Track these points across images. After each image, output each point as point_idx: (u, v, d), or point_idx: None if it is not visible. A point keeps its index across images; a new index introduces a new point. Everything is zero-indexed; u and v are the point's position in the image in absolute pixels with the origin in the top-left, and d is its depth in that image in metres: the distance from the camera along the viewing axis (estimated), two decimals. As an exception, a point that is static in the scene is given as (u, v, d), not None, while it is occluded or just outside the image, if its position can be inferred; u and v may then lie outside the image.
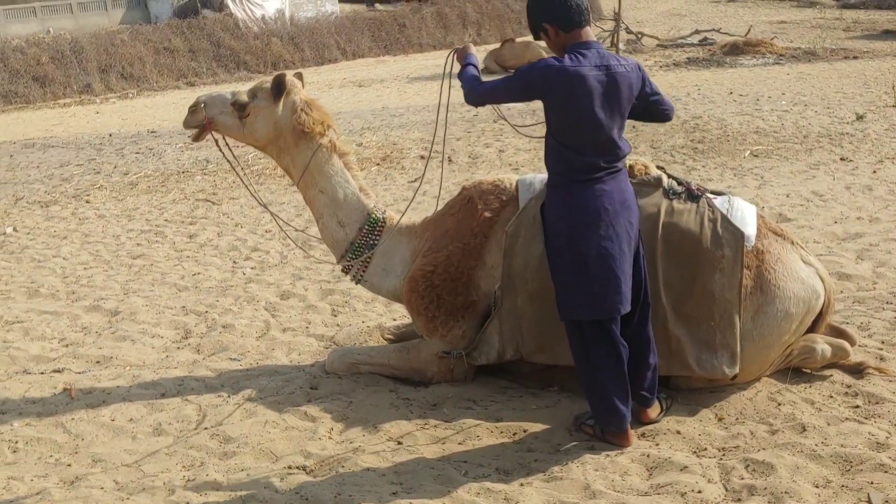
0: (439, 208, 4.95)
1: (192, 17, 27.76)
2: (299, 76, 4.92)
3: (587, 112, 3.63)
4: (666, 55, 23.34)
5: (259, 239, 7.79)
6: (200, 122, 4.79)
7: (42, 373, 5.18)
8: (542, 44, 17.10)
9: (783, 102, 13.14)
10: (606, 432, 3.94)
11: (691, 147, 9.89)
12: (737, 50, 21.99)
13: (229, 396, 4.67)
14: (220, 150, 4.94)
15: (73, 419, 4.52)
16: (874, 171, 8.59)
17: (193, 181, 10.16)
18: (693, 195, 4.28)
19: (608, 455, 3.80)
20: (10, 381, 5.05)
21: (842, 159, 9.17)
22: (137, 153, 12.28)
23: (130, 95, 23.07)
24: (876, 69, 17.44)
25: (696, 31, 26.61)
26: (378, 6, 35.60)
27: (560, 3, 3.70)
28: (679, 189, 4.31)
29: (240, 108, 4.71)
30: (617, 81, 3.62)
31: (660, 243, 4.16)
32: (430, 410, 4.38)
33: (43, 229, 8.55)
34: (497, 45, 24.26)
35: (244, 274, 6.89)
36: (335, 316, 5.86)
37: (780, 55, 21.16)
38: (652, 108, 3.86)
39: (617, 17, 25.04)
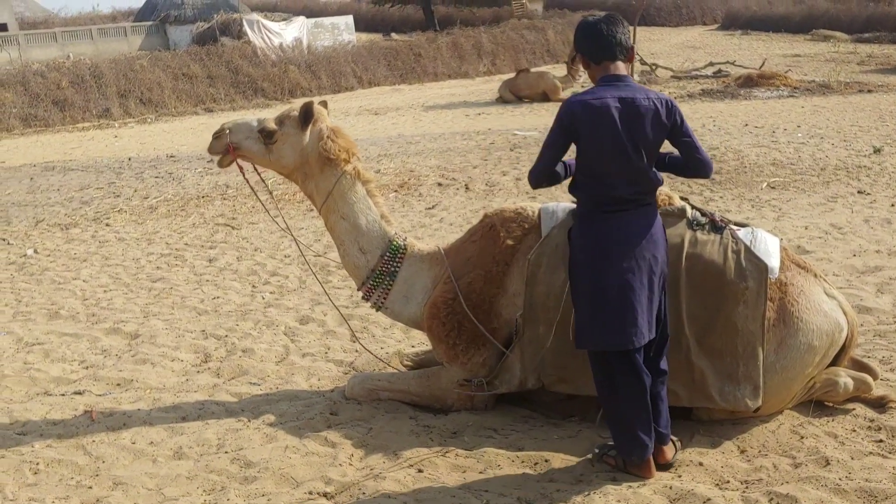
0: (460, 235, 4.98)
1: (211, 45, 28.05)
2: (324, 104, 4.97)
3: (610, 143, 3.65)
4: (680, 86, 23.45)
5: (278, 264, 7.83)
6: (224, 148, 4.82)
7: (63, 395, 5.20)
8: (557, 73, 17.31)
9: (799, 135, 13.16)
10: (628, 463, 3.91)
11: (711, 178, 9.91)
12: (751, 82, 22.07)
13: (249, 421, 4.68)
14: (244, 175, 4.97)
15: (93, 441, 4.53)
16: (892, 205, 8.58)
17: (213, 206, 10.23)
18: (717, 226, 4.28)
19: (630, 486, 3.78)
20: (30, 403, 5.08)
21: (859, 192, 9.17)
22: (157, 177, 12.37)
23: (149, 120, 23.29)
24: (891, 103, 17.46)
25: (711, 63, 26.74)
26: (394, 36, 35.98)
27: (590, 35, 3.76)
28: (703, 220, 4.31)
29: (267, 135, 4.75)
30: (641, 113, 3.63)
31: (683, 274, 4.15)
32: (451, 438, 4.38)
33: (63, 251, 8.61)
34: (512, 75, 24.43)
35: (263, 298, 6.92)
36: (354, 342, 5.87)
37: (795, 88, 21.23)
38: (685, 154, 3.80)
39: (631, 50, 25.14)
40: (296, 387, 5.18)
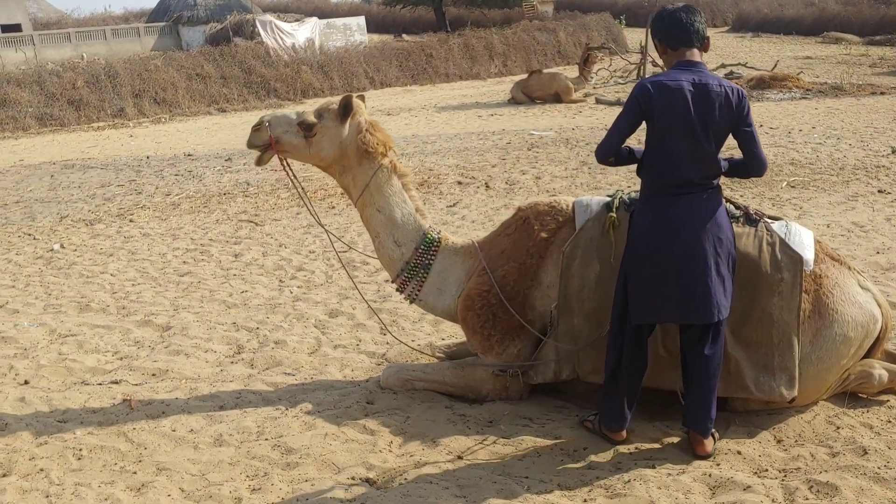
0: (482, 232, 5.04)
1: (224, 45, 28.17)
2: (362, 98, 5.03)
3: (681, 124, 3.74)
4: (693, 88, 23.42)
5: (304, 259, 7.90)
6: (265, 142, 4.87)
7: (100, 384, 5.28)
8: (570, 74, 17.29)
9: (815, 135, 13.18)
10: (607, 427, 4.15)
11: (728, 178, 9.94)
12: (763, 84, 22.04)
13: (287, 409, 4.74)
14: (286, 169, 5.02)
15: (134, 429, 4.60)
16: (913, 204, 8.63)
17: (235, 202, 10.31)
18: (751, 219, 4.34)
19: (670, 474, 3.84)
20: (69, 392, 5.15)
21: (879, 191, 9.21)
22: (176, 175, 12.46)
23: (163, 120, 23.40)
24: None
25: (723, 66, 26.70)
26: (405, 37, 36.07)
27: (670, 23, 3.89)
28: (737, 213, 4.37)
29: (307, 127, 4.81)
30: (712, 98, 3.72)
31: (719, 266, 4.21)
32: (487, 427, 4.44)
33: (89, 246, 8.69)
34: (524, 76, 24.49)
35: (291, 292, 6.98)
36: (384, 334, 5.93)
37: (807, 90, 21.20)
38: (744, 148, 3.89)
39: (643, 51, 25.24)
40: (330, 377, 5.24)
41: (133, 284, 7.41)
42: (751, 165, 3.95)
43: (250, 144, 4.98)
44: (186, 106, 24.95)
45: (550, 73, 23.28)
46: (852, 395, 4.44)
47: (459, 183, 10.34)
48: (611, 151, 4.01)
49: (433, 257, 4.92)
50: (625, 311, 3.99)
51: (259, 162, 5.00)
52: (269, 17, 30.35)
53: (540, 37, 33.76)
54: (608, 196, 4.65)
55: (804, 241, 4.30)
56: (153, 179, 12.27)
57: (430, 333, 5.93)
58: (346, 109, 4.81)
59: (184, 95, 25.19)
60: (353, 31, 32.54)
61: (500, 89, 26.99)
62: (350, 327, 6.11)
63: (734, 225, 4.30)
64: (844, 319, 4.21)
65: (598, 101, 21.45)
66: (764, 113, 17.03)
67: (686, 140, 3.78)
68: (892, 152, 11.14)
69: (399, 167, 4.98)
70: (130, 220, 9.71)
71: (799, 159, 11.12)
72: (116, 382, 5.29)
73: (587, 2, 48.29)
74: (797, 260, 4.20)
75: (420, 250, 4.91)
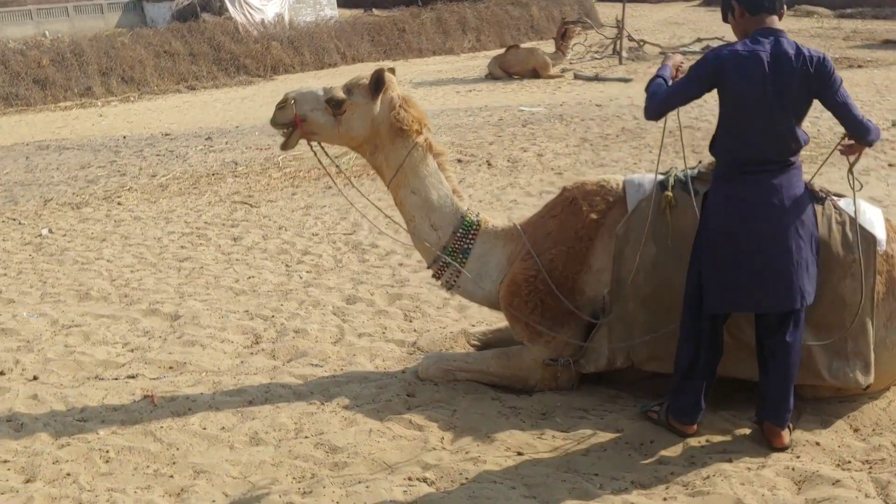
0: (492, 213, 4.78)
1: (193, 21, 27.47)
2: (392, 71, 4.72)
3: (757, 97, 3.50)
4: (669, 63, 23.26)
5: (308, 242, 7.58)
6: (290, 120, 4.55)
7: (116, 379, 4.96)
8: (547, 49, 17.11)
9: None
10: (677, 419, 3.91)
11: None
12: (740, 58, 21.92)
13: (323, 404, 4.47)
14: (314, 150, 4.72)
15: (161, 427, 4.30)
16: (926, 178, 8.51)
17: (225, 183, 9.93)
18: (818, 197, 4.11)
19: (749, 468, 3.63)
20: (84, 388, 4.83)
21: (890, 165, 9.08)
22: (158, 155, 12.02)
23: (132, 99, 22.75)
24: (884, 78, 17.41)
25: (699, 39, 26.55)
26: (375, 11, 35.43)
27: None
28: (802, 190, 4.15)
29: (336, 104, 4.50)
30: (791, 69, 3.47)
31: (788, 247, 3.99)
32: (542, 420, 4.20)
33: (79, 231, 8.30)
34: (501, 51, 24.17)
35: (301, 278, 6.68)
36: (409, 321, 5.66)
37: (784, 64, 21.13)
38: (839, 116, 3.62)
39: (619, 26, 25.03)
40: (361, 368, 4.97)
41: (132, 271, 7.05)
42: (854, 133, 3.67)
43: (275, 123, 4.67)
44: (155, 84, 24.26)
45: (528, 49, 22.98)
46: (922, 380, 4.26)
47: (459, 161, 10.04)
48: (665, 112, 3.82)
49: (472, 241, 4.65)
50: (700, 300, 3.75)
51: (285, 146, 4.68)
52: (237, -8, 29.62)
53: (513, 11, 33.35)
54: (661, 174, 4.41)
55: (874, 220, 4.10)
56: (134, 160, 11.82)
57: (456, 320, 5.67)
58: (378, 84, 4.51)
59: (152, 73, 24.49)
60: (323, 6, 31.85)
61: (475, 64, 26.62)
62: (371, 314, 5.82)
63: (800, 203, 4.09)
64: (919, 301, 4.02)
65: (576, 77, 21.23)
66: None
67: (762, 115, 3.55)
68: (893, 125, 11.03)
69: (435, 146, 4.69)
70: (119, 203, 9.30)
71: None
72: (133, 377, 4.97)
73: (556, -24, 47.79)
74: (870, 240, 4.00)
75: (458, 234, 4.64)
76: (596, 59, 25.07)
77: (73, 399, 4.67)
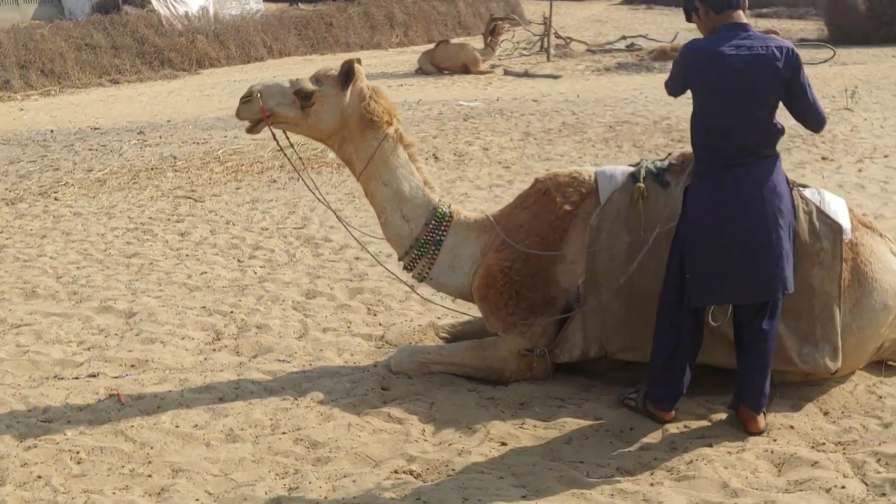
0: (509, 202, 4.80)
1: (114, 13, 26.73)
2: (358, 62, 4.68)
3: (728, 92, 3.59)
4: (595, 60, 23.62)
5: (258, 237, 7.46)
6: (255, 114, 4.48)
7: (76, 378, 4.81)
8: (476, 45, 17.28)
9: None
10: (656, 406, 3.97)
11: (674, 146, 9.96)
12: (665, 55, 22.34)
13: (296, 399, 4.41)
14: (277, 142, 4.66)
15: (131, 426, 4.19)
16: (859, 170, 8.81)
17: (166, 178, 9.70)
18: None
19: (730, 452, 3.72)
20: (44, 388, 4.67)
21: (823, 158, 9.38)
22: (91, 150, 11.68)
23: (52, 93, 22.02)
24: (811, 75, 17.92)
25: (624, 37, 26.99)
26: (301, 5, 35.03)
27: None
28: (770, 181, 4.25)
29: (304, 96, 4.45)
30: (760, 62, 3.55)
31: (756, 236, 4.09)
32: (520, 410, 4.22)
33: (17, 227, 8.01)
34: (430, 47, 24.18)
35: (255, 273, 6.57)
36: (373, 315, 5.63)
37: (707, 61, 21.60)
38: (798, 106, 3.73)
39: (546, 23, 25.29)
40: (330, 363, 4.92)
41: (77, 268, 6.84)
42: (811, 123, 3.81)
43: (241, 116, 4.60)
44: (76, 77, 23.53)
45: (458, 44, 23.06)
46: (885, 364, 4.41)
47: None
48: (673, 94, 3.97)
49: (444, 233, 4.65)
50: (681, 292, 3.81)
51: (251, 130, 4.61)
52: (159, -17, 28.94)
53: (440, 7, 33.40)
54: (631, 165, 4.48)
55: (838, 209, 4.22)
56: (66, 154, 11.46)
57: (421, 313, 5.65)
58: (347, 75, 4.48)
59: (73, 66, 23.75)
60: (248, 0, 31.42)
61: (404, 59, 26.60)
62: (333, 309, 5.77)
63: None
64: (883, 287, 4.17)
65: (506, 73, 21.40)
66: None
67: (734, 109, 3.64)
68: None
69: (405, 137, 4.69)
70: (56, 199, 9.00)
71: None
72: (94, 375, 4.83)
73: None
74: (836, 228, 4.12)
75: (430, 226, 4.63)
76: (524, 55, 25.30)
77: (34, 399, 4.51)
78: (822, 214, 4.14)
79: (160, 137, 12.53)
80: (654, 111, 12.49)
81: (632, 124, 11.15)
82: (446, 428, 4.06)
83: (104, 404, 4.44)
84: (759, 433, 3.86)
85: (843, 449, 3.73)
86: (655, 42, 25.36)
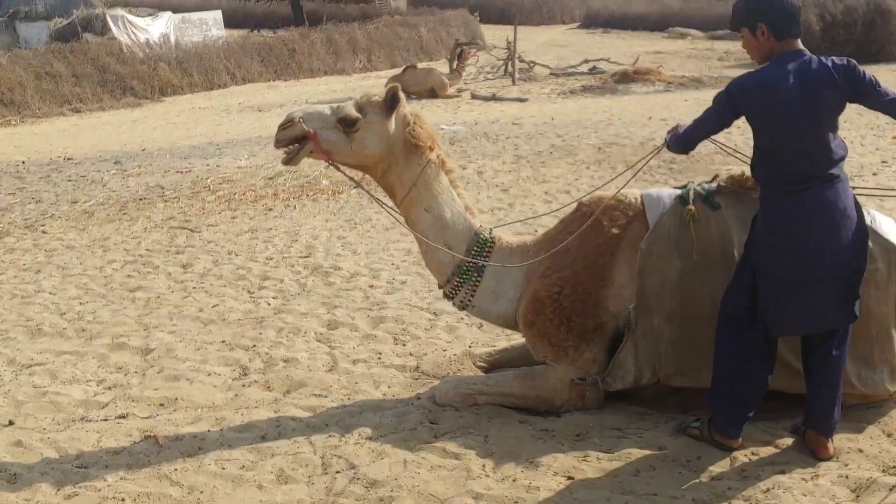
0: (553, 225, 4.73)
1: (74, 41, 26.31)
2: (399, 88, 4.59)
3: (789, 120, 3.55)
4: (560, 83, 23.79)
5: (264, 267, 7.30)
6: (295, 139, 4.36)
7: (105, 419, 4.61)
8: (443, 69, 17.21)
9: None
10: (723, 434, 3.88)
11: (667, 167, 9.99)
12: (628, 78, 22.60)
13: (343, 436, 4.26)
14: (339, 168, 4.55)
15: (174, 469, 4.02)
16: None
17: (157, 208, 9.48)
18: (837, 208, 4.20)
19: (805, 479, 3.65)
20: (72, 431, 4.47)
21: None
22: (70, 181, 11.40)
23: (13, 123, 21.57)
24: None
25: (586, 61, 27.25)
26: (262, 32, 34.87)
27: (784, 8, 3.60)
28: (820, 202, 4.22)
29: (349, 124, 4.34)
30: (821, 85, 3.52)
31: (811, 258, 4.05)
32: (579, 441, 4.12)
33: (8, 263, 7.74)
34: (396, 71, 24.20)
35: (269, 304, 6.41)
36: (402, 345, 5.50)
37: (669, 83, 21.90)
38: (880, 104, 3.63)
39: (510, 47, 25.46)
40: (369, 396, 4.78)
41: (81, 303, 6.61)
42: (890, 112, 3.67)
43: (281, 143, 4.45)
44: (37, 107, 23.07)
45: (425, 69, 23.11)
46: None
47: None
48: (692, 145, 3.97)
49: (487, 259, 4.56)
50: (750, 316, 3.75)
51: (289, 161, 4.47)
52: (120, 11, 28.56)
53: (402, 32, 33.45)
54: (677, 188, 4.44)
55: (889, 229, 4.21)
56: (45, 186, 11.17)
57: (449, 341, 5.54)
58: (393, 101, 4.39)
59: (33, 96, 23.29)
60: (209, 26, 31.07)
61: (368, 84, 26.52)
62: (359, 339, 5.63)
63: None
64: (936, 308, 4.15)
65: (473, 97, 21.50)
66: (636, 105, 17.33)
67: (797, 135, 3.58)
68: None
69: (447, 162, 4.61)
70: (44, 232, 8.73)
71: (715, 148, 11.27)
72: (124, 416, 4.64)
73: (439, -2, 48.31)
74: (890, 248, 4.10)
75: (473, 252, 4.54)
76: (489, 79, 25.43)
77: (65, 444, 4.31)
78: (875, 234, 4.11)
79: (139, 167, 12.28)
80: (636, 132, 12.56)
81: (619, 146, 11.18)
82: (507, 462, 3.94)
83: (141, 447, 4.26)
84: (829, 458, 3.80)
85: (915, 471, 3.68)
86: (617, 65, 25.60)
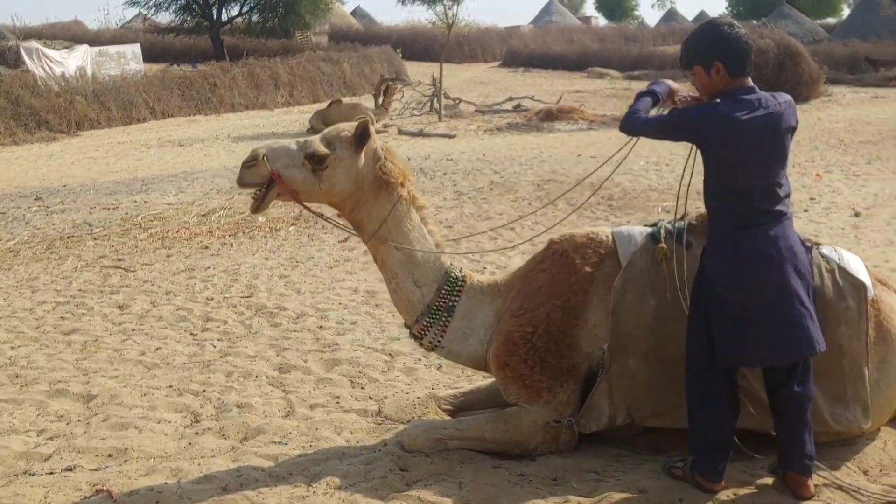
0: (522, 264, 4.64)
1: (-15, 73, 25.44)
2: (372, 122, 4.47)
3: (747, 158, 3.61)
4: (486, 120, 24.00)
5: (205, 308, 7.04)
6: (264, 177, 4.19)
7: (51, 473, 4.31)
8: (369, 104, 17.25)
9: (642, 162, 13.66)
10: (704, 476, 3.83)
11: (606, 203, 10.07)
12: (552, 116, 22.91)
13: (310, 486, 4.06)
14: (308, 209, 4.39)
15: (134, 527, 3.76)
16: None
17: (86, 247, 9.10)
18: (805, 246, 4.22)
19: (792, 517, 3.61)
20: (16, 486, 4.16)
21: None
22: (-11, 218, 10.90)
23: (-80, 155, 20.65)
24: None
25: (510, 98, 27.58)
26: (181, 66, 34.36)
27: (733, 48, 3.64)
28: (789, 241, 4.25)
29: (317, 160, 4.20)
30: (777, 123, 3.59)
31: (783, 296, 4.06)
32: (556, 486, 4.01)
33: (-72, 305, 7.30)
34: (323, 106, 24.08)
35: (214, 346, 6.16)
36: (361, 388, 5.33)
37: (592, 121, 22.27)
38: None
39: (436, 83, 25.63)
40: (331, 443, 4.59)
41: (12, 347, 6.26)
42: None
43: (244, 182, 4.28)
44: (-54, 141, 22.22)
45: (351, 104, 23.08)
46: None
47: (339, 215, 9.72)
48: (638, 136, 3.92)
49: (457, 298, 4.45)
50: (709, 357, 3.74)
51: (257, 209, 4.30)
52: (34, 43, 27.78)
53: (325, 67, 33.36)
54: (647, 226, 4.41)
55: (858, 266, 4.25)
56: (-38, 223, 10.65)
57: (409, 384, 5.39)
58: (363, 136, 4.26)
59: (-58, 129, 22.43)
60: (128, 60, 30.47)
61: (292, 119, 26.41)
62: (314, 383, 5.43)
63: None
64: (905, 344, 4.19)
65: (400, 132, 21.51)
66: (564, 143, 17.54)
67: (751, 173, 3.63)
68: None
69: (418, 198, 4.49)
70: (-36, 272, 8.29)
71: (652, 185, 11.48)
72: (71, 469, 4.35)
73: (360, 34, 48.43)
74: (859, 286, 4.14)
75: (443, 291, 4.43)
76: (416, 115, 25.48)
77: (9, 500, 4.01)
78: (845, 272, 4.15)
79: (62, 203, 11.84)
80: (570, 170, 12.67)
81: (557, 182, 11.25)
82: (487, 510, 3.80)
83: (93, 502, 3.98)
84: (810, 497, 3.77)
85: (897, 509, 3.68)
86: (541, 103, 25.94)
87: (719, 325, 3.70)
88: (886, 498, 3.77)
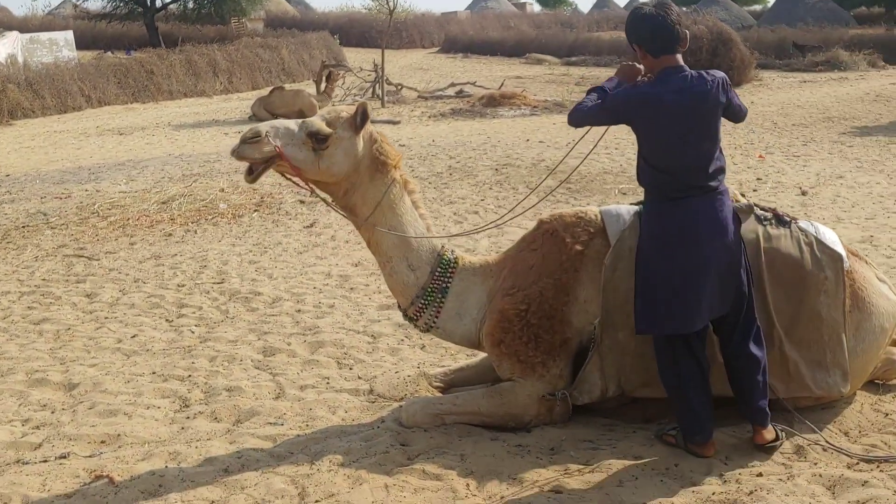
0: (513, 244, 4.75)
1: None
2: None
3: (671, 135, 3.80)
4: (429, 106, 24.00)
5: (177, 294, 7.00)
6: (265, 154, 4.19)
7: (45, 461, 4.28)
8: (311, 91, 17.16)
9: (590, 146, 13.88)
10: (691, 442, 4.03)
11: (565, 187, 10.22)
12: (494, 102, 23.04)
13: (313, 464, 4.12)
14: (298, 184, 4.41)
15: (140, 511, 3.77)
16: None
17: (45, 236, 8.94)
18: (783, 220, 4.43)
19: (781, 479, 3.79)
20: (11, 476, 4.13)
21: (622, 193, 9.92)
22: (-66, 208, 10.61)
23: None
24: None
25: (452, 84, 27.62)
26: (115, 53, 33.66)
27: (649, 29, 3.84)
28: (768, 215, 4.44)
29: (320, 140, 4.23)
30: (704, 101, 3.76)
31: (764, 269, 4.25)
32: (555, 455, 4.14)
33: None
34: (264, 93, 23.85)
35: (192, 332, 6.15)
36: (349, 369, 5.38)
37: (534, 107, 22.46)
38: (731, 114, 3.97)
39: (378, 69, 25.56)
40: (328, 422, 4.65)
41: (-19, 338, 6.15)
42: (736, 120, 4.05)
43: (247, 157, 4.22)
44: None
45: (293, 91, 22.89)
46: (872, 383, 4.66)
47: (302, 202, 9.72)
48: (582, 126, 4.13)
49: (450, 279, 4.54)
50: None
51: (252, 178, 4.30)
52: (-38, 30, 27.01)
53: (263, 54, 32.96)
54: (633, 204, 4.54)
55: (834, 239, 4.44)
56: None
57: (395, 363, 5.46)
58: (363, 117, 4.31)
59: None
60: (60, 47, 29.73)
61: (231, 106, 26.09)
62: (300, 365, 5.47)
63: (769, 228, 4.36)
64: (879, 311, 4.41)
65: (344, 119, 21.30)
66: (509, 128, 17.61)
67: (676, 150, 3.83)
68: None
69: (410, 182, 4.55)
70: (-80, 263, 8.09)
71: (608, 168, 11.69)
72: (65, 457, 4.32)
73: (296, 20, 47.98)
74: (836, 257, 4.34)
75: (436, 273, 4.51)
76: (358, 101, 25.35)
77: (6, 490, 3.98)
78: (822, 244, 4.35)
79: (9, 193, 11.59)
80: (524, 154, 12.81)
81: (514, 167, 11.38)
82: (490, 480, 3.91)
83: (95, 489, 3.98)
84: (763, 445, 4.00)
85: (878, 466, 3.88)
86: (484, 89, 26.03)
87: (639, 291, 3.97)
88: (867, 457, 3.98)
